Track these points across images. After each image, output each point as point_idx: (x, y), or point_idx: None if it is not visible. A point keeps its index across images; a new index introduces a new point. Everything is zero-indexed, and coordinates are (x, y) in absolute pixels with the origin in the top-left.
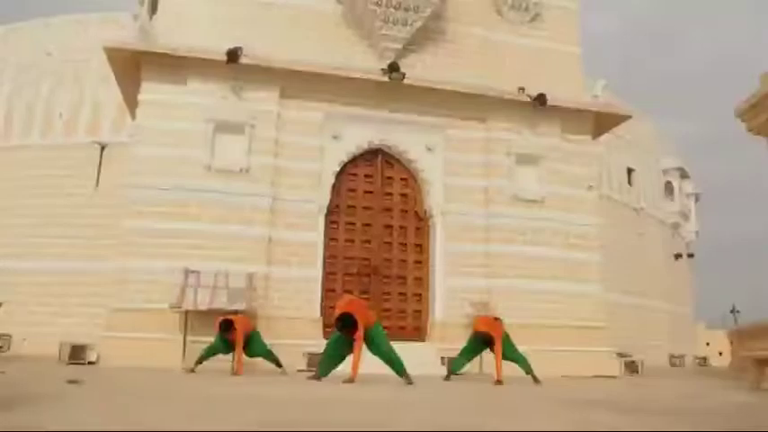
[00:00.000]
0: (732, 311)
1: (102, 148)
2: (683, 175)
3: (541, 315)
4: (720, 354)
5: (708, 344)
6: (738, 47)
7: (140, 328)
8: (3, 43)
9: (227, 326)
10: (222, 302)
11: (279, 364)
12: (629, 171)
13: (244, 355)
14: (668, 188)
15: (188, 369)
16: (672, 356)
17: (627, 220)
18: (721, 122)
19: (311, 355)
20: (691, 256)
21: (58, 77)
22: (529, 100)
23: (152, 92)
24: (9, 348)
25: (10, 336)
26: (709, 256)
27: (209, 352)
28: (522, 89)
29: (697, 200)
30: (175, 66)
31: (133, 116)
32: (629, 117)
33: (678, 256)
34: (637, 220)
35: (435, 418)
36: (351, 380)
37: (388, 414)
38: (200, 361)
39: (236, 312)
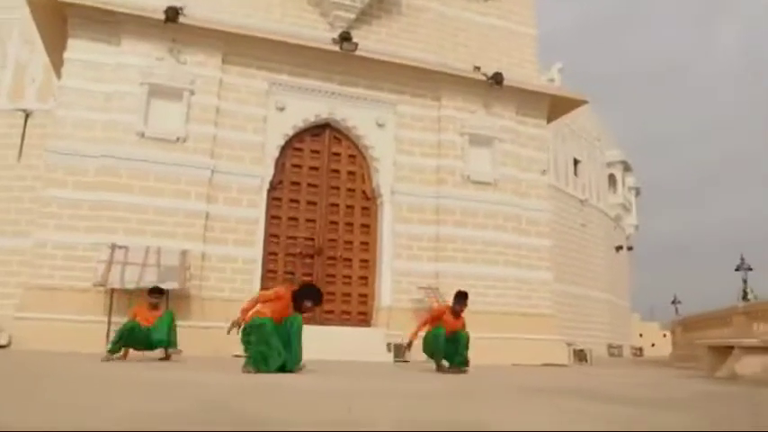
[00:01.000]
0: (673, 302)
1: (27, 116)
2: (627, 168)
3: (491, 301)
4: (653, 345)
5: (641, 335)
6: (673, 51)
7: (59, 309)
8: None
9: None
10: (152, 281)
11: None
12: (576, 162)
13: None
14: (611, 180)
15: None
16: (610, 346)
17: (572, 211)
18: (654, 124)
19: None
20: (630, 249)
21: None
22: (484, 79)
23: (79, 50)
24: None
25: None
26: (641, 251)
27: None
28: (477, 68)
29: (637, 194)
30: (107, 22)
31: (59, 77)
32: (586, 102)
33: (619, 248)
34: (581, 210)
35: (410, 412)
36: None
37: (360, 405)
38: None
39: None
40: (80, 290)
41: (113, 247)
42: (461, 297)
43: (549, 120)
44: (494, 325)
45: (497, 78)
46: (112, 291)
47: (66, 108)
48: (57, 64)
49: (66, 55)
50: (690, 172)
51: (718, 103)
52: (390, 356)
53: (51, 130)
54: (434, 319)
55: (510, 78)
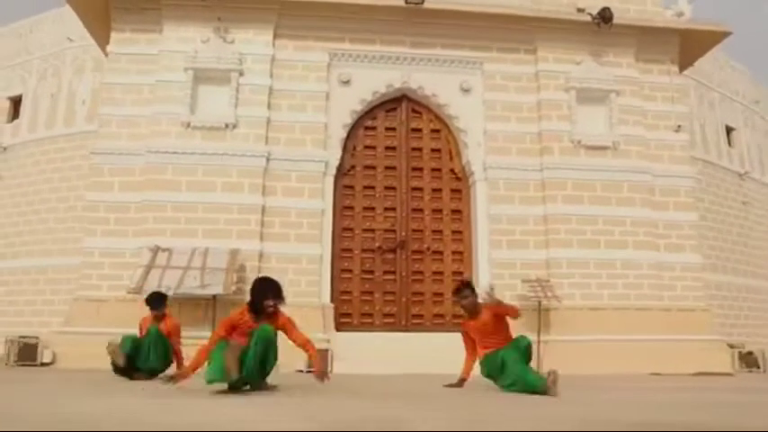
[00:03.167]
0: None
1: None
2: None
3: (620, 294)
4: None
5: None
6: None
7: (105, 322)
8: (29, 35)
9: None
10: (193, 286)
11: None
12: (729, 130)
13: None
14: None
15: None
16: None
17: (728, 187)
18: None
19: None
20: None
21: (80, 65)
22: (590, 19)
23: (122, 43)
24: None
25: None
26: None
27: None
28: (581, 10)
29: None
30: (148, 9)
31: None
32: (728, 34)
33: None
34: (740, 186)
35: None
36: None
37: None
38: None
39: (213, 297)
40: (127, 300)
41: (156, 249)
42: (456, 291)
43: (683, 65)
44: (625, 324)
45: (605, 15)
46: None
47: (111, 105)
48: None
49: (108, 49)
50: None
51: None
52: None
53: (98, 130)
54: (469, 340)
55: (624, 17)
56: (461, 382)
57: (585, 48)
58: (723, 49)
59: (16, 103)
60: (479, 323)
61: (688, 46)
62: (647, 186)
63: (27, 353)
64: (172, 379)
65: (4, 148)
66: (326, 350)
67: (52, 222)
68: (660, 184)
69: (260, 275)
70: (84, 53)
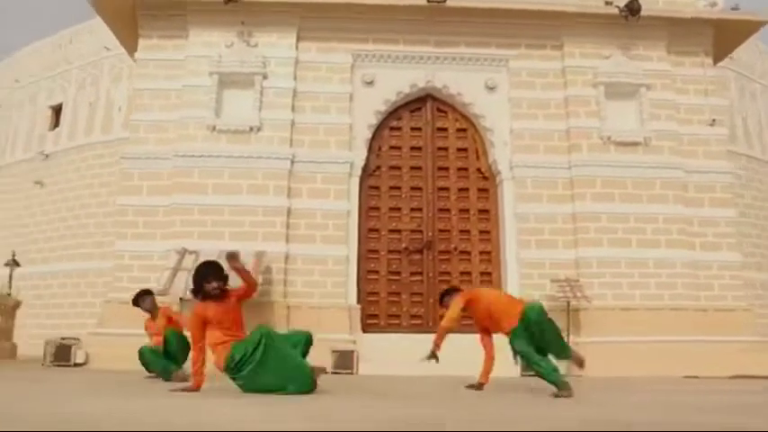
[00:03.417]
0: None
1: None
2: None
3: (653, 294)
4: None
5: None
6: None
7: (134, 324)
8: (68, 46)
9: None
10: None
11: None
12: None
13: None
14: None
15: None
16: None
17: None
18: None
19: (341, 353)
20: None
21: (116, 73)
22: (617, 12)
23: (149, 49)
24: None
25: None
26: None
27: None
28: (609, 3)
29: None
30: (174, 15)
31: None
32: (766, 23)
33: None
34: None
35: None
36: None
37: None
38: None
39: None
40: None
41: (183, 252)
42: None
43: (717, 57)
44: (658, 325)
45: (633, 7)
46: (181, 301)
47: (140, 111)
48: None
49: (137, 55)
50: None
51: None
52: (517, 369)
53: (129, 136)
54: (485, 336)
55: (653, 8)
56: (480, 386)
57: (614, 41)
58: (764, 39)
59: (57, 111)
60: (470, 313)
61: (722, 37)
62: (681, 183)
63: (62, 354)
64: (184, 391)
65: (47, 156)
66: (352, 351)
67: (92, 227)
68: (695, 180)
69: (200, 261)
70: (120, 62)
